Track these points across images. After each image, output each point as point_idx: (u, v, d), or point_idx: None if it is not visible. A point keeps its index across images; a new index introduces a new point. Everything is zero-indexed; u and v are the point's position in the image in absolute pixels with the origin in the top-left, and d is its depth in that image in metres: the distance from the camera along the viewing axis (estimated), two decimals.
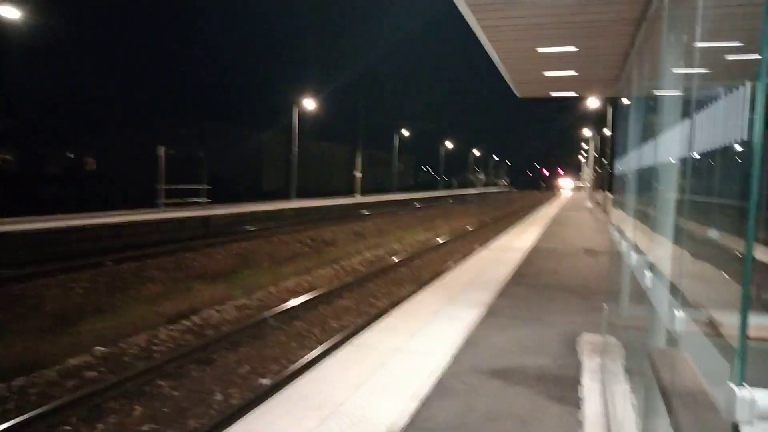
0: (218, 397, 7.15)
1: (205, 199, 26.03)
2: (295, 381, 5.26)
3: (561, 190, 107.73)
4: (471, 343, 6.39)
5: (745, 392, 1.35)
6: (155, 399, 7.08)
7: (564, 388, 5.07)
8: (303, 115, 39.88)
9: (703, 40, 2.35)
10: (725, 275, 2.88)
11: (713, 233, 2.69)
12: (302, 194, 38.03)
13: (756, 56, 1.43)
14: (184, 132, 52.51)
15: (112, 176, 46.73)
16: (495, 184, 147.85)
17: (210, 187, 26.37)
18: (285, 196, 36.88)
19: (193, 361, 8.20)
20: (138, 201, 24.35)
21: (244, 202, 30.25)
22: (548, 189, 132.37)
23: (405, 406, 4.58)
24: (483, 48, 7.85)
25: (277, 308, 10.91)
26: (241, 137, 58.52)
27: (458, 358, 5.85)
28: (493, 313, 7.86)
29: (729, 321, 1.95)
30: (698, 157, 2.32)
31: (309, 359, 8.19)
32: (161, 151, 23.77)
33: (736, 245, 2.31)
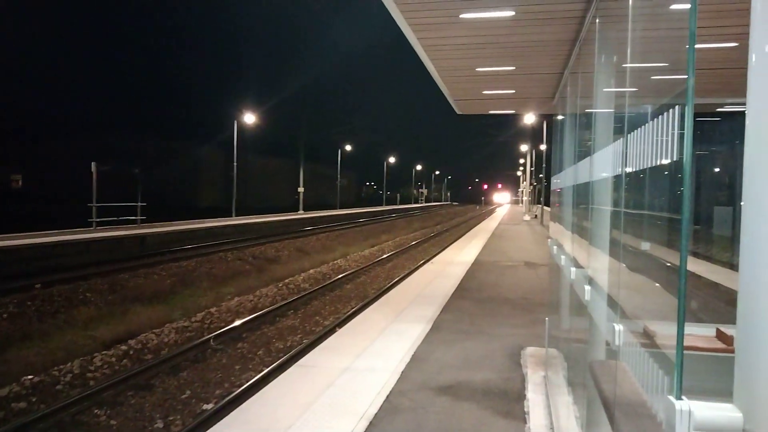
0: (159, 424, 6.87)
1: (140, 217, 25.19)
2: (239, 405, 5.13)
3: (500, 204, 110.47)
4: (418, 359, 6.42)
5: (683, 404, 1.39)
6: (92, 429, 6.73)
7: (510, 402, 5.15)
8: (244, 130, 39.32)
9: (632, 61, 2.47)
10: (658, 286, 3.01)
11: (647, 245, 2.81)
12: (243, 210, 37.34)
13: (682, 76, 1.50)
14: (117, 147, 50.87)
15: (40, 194, 44.61)
16: (437, 199, 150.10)
17: (145, 204, 25.56)
18: (225, 212, 36.12)
19: (132, 388, 7.86)
20: (68, 220, 23.28)
21: (182, 220, 29.44)
22: (487, 203, 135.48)
23: (354, 427, 4.53)
24: (425, 66, 7.98)
25: (218, 330, 10.62)
26: (177, 152, 57.18)
27: (406, 375, 5.86)
28: (438, 328, 7.93)
29: (665, 332, 2.04)
30: (629, 171, 2.42)
31: (253, 382, 8.00)
32: (93, 167, 22.84)
33: (668, 256, 2.41)
